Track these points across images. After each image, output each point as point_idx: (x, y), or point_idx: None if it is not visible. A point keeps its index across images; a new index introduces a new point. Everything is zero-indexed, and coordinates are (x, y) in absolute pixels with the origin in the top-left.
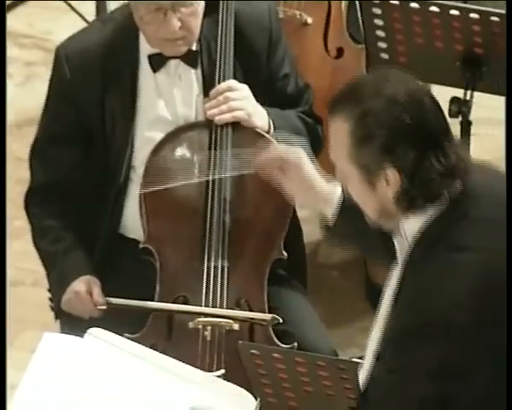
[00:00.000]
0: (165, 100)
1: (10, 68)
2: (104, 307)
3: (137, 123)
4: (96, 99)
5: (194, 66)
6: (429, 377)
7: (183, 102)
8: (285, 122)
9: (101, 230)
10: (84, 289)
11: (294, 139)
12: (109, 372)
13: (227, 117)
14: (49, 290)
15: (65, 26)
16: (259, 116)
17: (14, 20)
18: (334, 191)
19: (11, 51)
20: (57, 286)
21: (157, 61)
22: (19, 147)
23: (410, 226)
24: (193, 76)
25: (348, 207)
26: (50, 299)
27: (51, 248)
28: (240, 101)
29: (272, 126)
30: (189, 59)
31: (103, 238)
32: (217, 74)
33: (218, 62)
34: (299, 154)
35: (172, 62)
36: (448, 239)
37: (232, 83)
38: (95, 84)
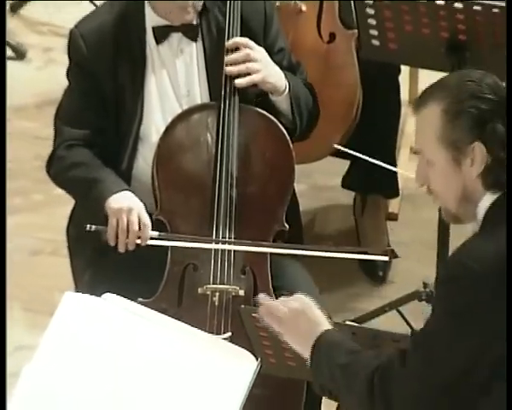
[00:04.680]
0: (168, 72)
1: (30, 54)
2: (146, 243)
3: (145, 94)
4: (110, 73)
5: (194, 39)
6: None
7: (184, 75)
8: (297, 85)
9: None
10: (136, 209)
11: (303, 104)
12: (130, 333)
13: (245, 81)
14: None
15: (80, 15)
16: (277, 77)
17: (32, 8)
18: None
19: (30, 38)
20: (105, 193)
21: (160, 33)
22: (38, 126)
23: (483, 205)
24: (194, 49)
25: None
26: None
27: (91, 175)
28: (259, 62)
29: (288, 88)
30: (190, 32)
31: None
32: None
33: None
34: (303, 300)
35: (175, 35)
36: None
37: (250, 41)
38: (109, 59)
